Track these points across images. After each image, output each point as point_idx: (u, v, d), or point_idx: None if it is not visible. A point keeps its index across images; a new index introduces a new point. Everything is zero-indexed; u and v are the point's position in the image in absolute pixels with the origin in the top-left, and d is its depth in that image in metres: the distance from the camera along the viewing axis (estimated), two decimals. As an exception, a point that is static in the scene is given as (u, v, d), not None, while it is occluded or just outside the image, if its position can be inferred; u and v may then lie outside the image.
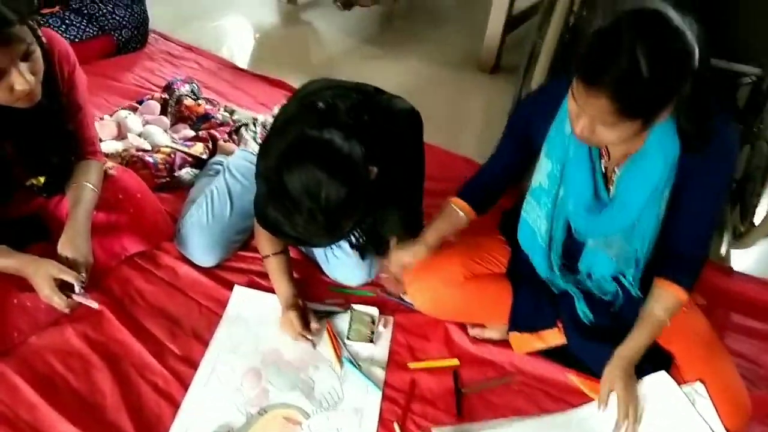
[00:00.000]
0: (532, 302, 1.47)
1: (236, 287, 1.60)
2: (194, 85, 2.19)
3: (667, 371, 1.36)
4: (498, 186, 1.46)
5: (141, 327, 1.47)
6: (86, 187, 1.45)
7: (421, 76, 2.76)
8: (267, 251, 1.53)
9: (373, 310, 1.57)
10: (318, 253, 1.65)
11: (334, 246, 1.60)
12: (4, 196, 1.37)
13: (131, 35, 2.48)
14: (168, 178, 1.87)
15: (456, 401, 1.40)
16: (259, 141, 1.69)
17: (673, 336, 1.37)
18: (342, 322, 1.55)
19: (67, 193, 1.46)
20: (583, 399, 1.43)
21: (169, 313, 1.52)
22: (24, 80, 1.17)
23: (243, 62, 2.70)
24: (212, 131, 2.03)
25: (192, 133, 2.03)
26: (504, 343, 1.52)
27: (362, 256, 1.60)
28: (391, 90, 2.36)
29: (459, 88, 2.71)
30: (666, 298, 1.30)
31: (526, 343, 1.49)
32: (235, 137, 2.08)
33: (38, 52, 1.20)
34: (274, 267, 1.53)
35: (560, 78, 1.33)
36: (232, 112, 2.18)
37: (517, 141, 1.40)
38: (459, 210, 1.44)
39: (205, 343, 1.46)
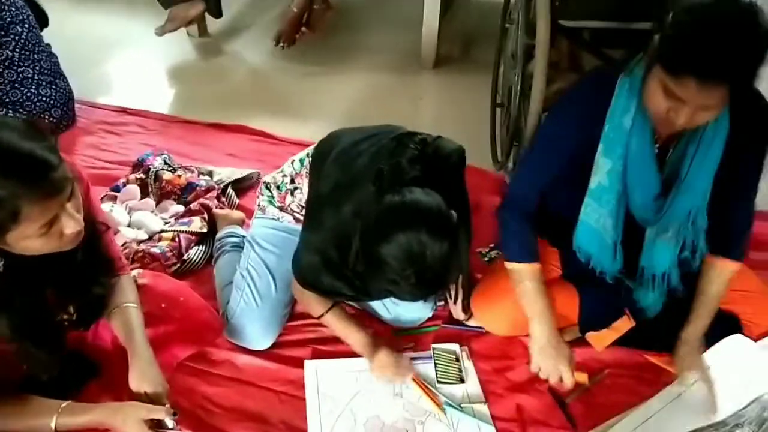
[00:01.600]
0: (599, 299, 1.51)
1: (306, 363, 1.52)
2: (166, 155, 2.02)
3: (740, 332, 1.46)
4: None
5: (231, 437, 1.37)
6: (129, 309, 1.32)
7: (366, 85, 2.71)
8: (321, 310, 1.49)
9: (454, 347, 1.56)
10: (375, 305, 1.61)
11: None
12: (58, 346, 1.21)
13: (62, 113, 2.24)
14: (178, 264, 1.74)
15: (565, 414, 1.43)
16: (279, 204, 1.60)
17: (733, 298, 1.47)
18: (422, 365, 1.52)
19: (111, 321, 1.32)
20: (669, 375, 1.50)
21: (251, 411, 1.42)
22: (74, 222, 1.04)
23: (181, 112, 2.51)
24: (202, 201, 1.89)
25: (181, 208, 1.89)
26: (579, 342, 1.56)
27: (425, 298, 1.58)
28: (344, 106, 2.37)
29: (406, 91, 2.69)
30: (721, 275, 1.41)
31: (604, 338, 1.53)
32: (224, 200, 1.96)
33: (77, 186, 1.07)
34: (337, 319, 1.49)
35: (599, 76, 1.35)
36: (209, 173, 2.04)
37: (563, 156, 1.38)
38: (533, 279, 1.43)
39: (303, 432, 1.39)
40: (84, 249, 1.17)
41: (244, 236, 1.76)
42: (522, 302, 1.44)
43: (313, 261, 1.39)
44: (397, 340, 1.59)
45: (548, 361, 1.42)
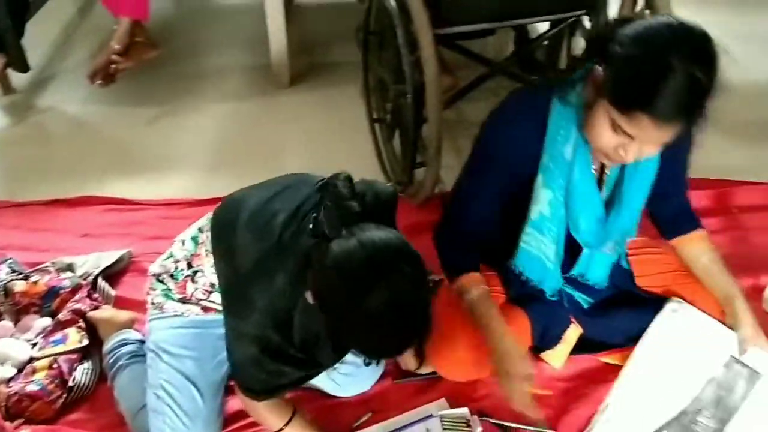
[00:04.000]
0: (547, 314, 1.46)
1: None
2: (11, 260, 1.63)
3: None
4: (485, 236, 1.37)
5: None
6: None
7: (221, 118, 2.43)
8: (279, 424, 1.27)
9: (463, 411, 1.40)
10: (321, 381, 1.42)
11: (337, 365, 1.39)
12: None
13: None
14: (65, 394, 1.42)
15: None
16: (179, 296, 1.34)
17: (665, 279, 1.49)
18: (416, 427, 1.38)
19: None
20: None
21: None
22: None
23: (8, 193, 2.07)
24: (72, 306, 1.56)
25: (49, 321, 1.54)
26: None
27: (367, 362, 1.41)
28: (203, 148, 2.24)
29: (269, 116, 2.45)
30: (701, 244, 1.42)
31: (559, 354, 1.49)
32: (97, 296, 1.64)
33: None
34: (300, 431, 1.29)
35: (526, 99, 1.28)
36: (69, 267, 1.70)
37: (505, 176, 1.29)
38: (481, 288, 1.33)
39: None
40: None
41: (140, 340, 1.48)
42: (474, 315, 1.33)
43: (249, 353, 1.17)
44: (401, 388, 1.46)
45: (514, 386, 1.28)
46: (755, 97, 2.57)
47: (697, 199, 1.94)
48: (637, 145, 1.08)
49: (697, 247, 1.42)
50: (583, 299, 1.45)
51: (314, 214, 1.09)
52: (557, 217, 1.29)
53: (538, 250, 1.36)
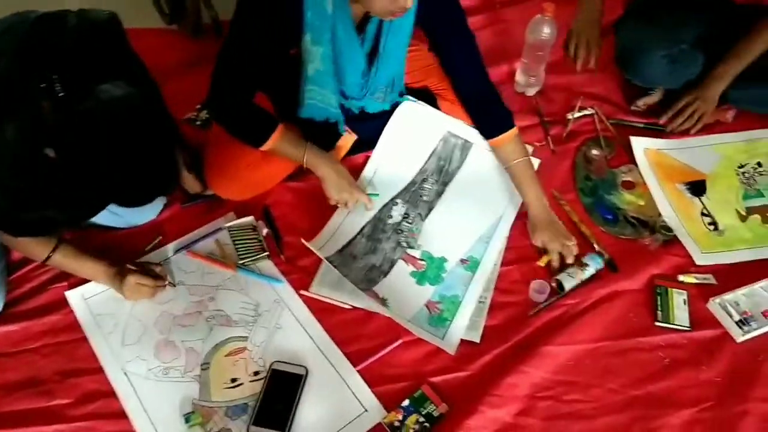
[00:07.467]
0: (320, 130, 1.53)
1: (68, 294, 1.39)
2: None
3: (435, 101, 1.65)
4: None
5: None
6: None
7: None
8: (44, 252, 1.30)
9: (249, 219, 1.49)
10: (102, 218, 1.43)
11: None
12: None
13: None
14: None
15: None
16: None
17: (421, 76, 1.65)
18: (203, 243, 1.48)
19: None
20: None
21: (15, 382, 1.27)
22: None
23: None
24: None
25: None
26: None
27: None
28: None
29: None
30: (515, 148, 1.49)
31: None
32: None
33: None
34: (65, 258, 1.32)
35: None
36: None
37: (271, 39, 1.31)
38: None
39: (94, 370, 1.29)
40: None
41: None
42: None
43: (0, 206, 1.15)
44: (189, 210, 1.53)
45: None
46: None
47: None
48: None
49: (508, 149, 1.50)
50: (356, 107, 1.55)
51: (52, 75, 1.04)
52: (331, 71, 1.38)
53: (323, 102, 1.45)
